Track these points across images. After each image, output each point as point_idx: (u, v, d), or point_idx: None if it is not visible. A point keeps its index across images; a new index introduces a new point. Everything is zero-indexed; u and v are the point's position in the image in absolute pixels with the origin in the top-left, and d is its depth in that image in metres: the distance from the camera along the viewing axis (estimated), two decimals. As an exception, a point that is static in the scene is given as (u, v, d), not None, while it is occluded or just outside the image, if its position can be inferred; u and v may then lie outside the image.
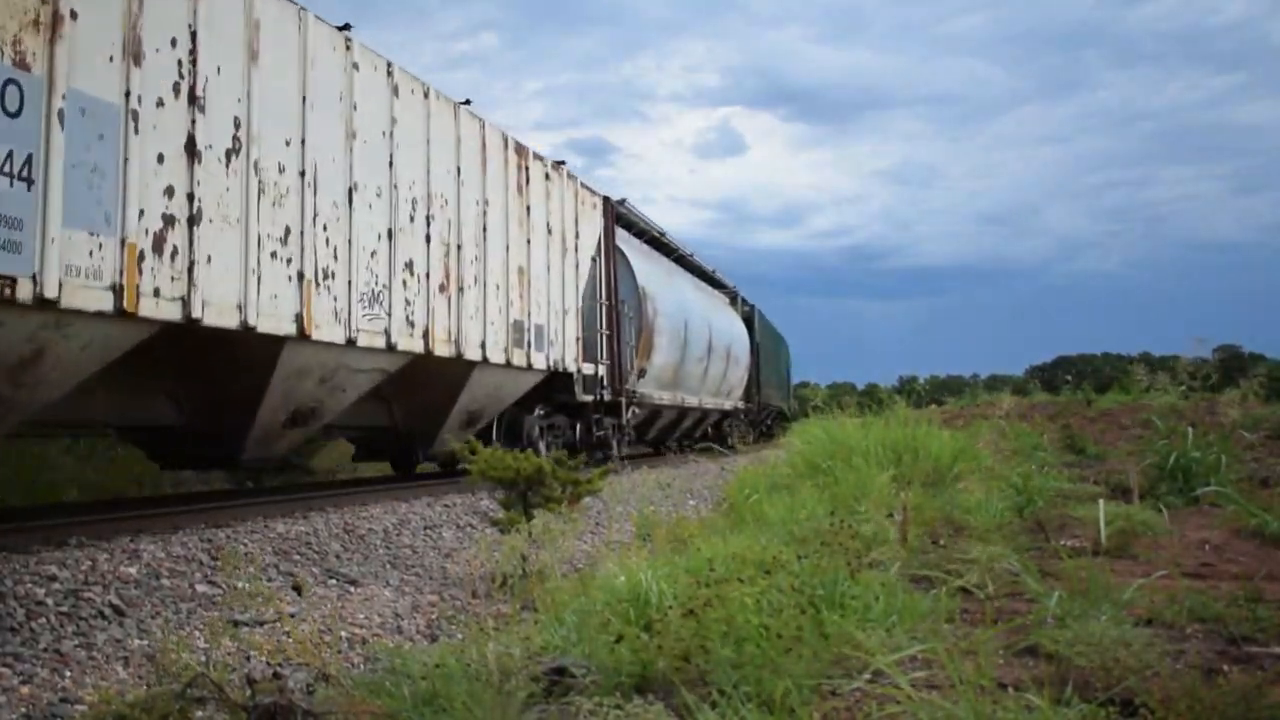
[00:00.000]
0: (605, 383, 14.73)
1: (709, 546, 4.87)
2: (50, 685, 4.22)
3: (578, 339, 13.69)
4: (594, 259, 14.66)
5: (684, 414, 21.26)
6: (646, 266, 18.10)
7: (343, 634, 5.25)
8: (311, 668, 4.25)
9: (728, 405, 24.69)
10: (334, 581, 6.48)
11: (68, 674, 4.36)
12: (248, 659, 4.62)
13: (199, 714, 3.41)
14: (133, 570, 5.80)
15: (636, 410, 16.50)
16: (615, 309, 15.50)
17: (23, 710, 3.93)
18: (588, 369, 14.10)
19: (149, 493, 10.99)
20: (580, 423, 14.44)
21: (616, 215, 16.42)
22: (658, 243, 21.07)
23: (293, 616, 5.37)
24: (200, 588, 5.81)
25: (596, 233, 14.87)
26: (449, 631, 5.45)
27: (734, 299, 28.52)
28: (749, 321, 28.51)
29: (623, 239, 16.98)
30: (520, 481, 7.53)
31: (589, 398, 14.19)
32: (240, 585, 5.81)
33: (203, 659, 4.48)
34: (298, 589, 6.10)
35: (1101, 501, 6.13)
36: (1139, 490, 7.63)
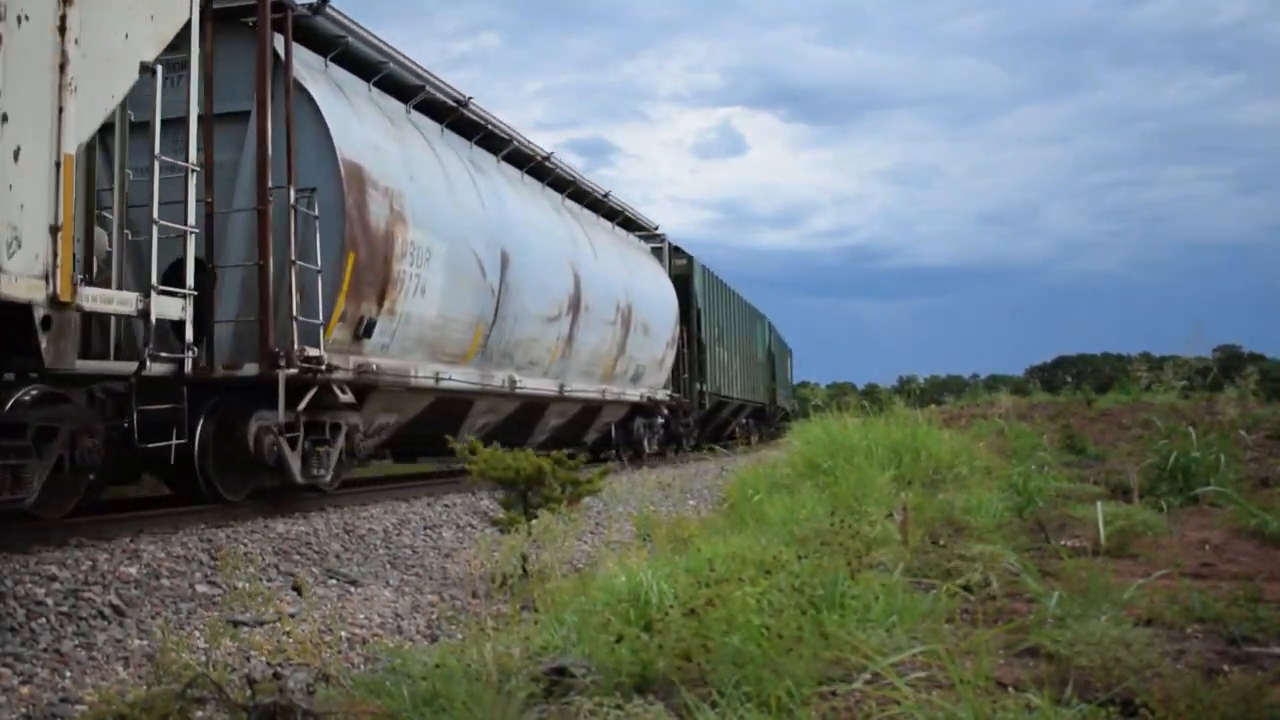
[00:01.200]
0: (198, 336, 7.15)
1: (709, 546, 4.87)
2: (50, 685, 4.22)
3: (55, 230, 5.63)
4: (152, 71, 6.56)
5: (537, 408, 13.30)
6: (375, 135, 9.73)
7: (343, 634, 5.25)
8: (311, 668, 4.25)
9: (633, 395, 16.58)
10: (334, 581, 6.48)
11: (68, 674, 4.36)
12: (248, 659, 4.63)
13: (199, 714, 3.42)
14: (133, 570, 5.80)
15: (342, 393, 8.93)
16: (282, 200, 8.42)
17: (23, 710, 3.93)
18: (97, 301, 6.17)
19: (149, 493, 10.97)
20: (104, 425, 6.61)
21: (298, 28, 9.04)
22: (447, 114, 11.71)
23: (293, 617, 5.37)
24: (200, 588, 5.81)
25: (173, 26, 6.80)
26: (449, 631, 5.45)
27: (660, 249, 20.02)
28: (683, 280, 20.41)
29: (328, 82, 9.48)
30: (520, 481, 7.53)
31: (108, 367, 6.65)
32: (240, 585, 5.81)
33: (203, 659, 4.48)
34: (298, 589, 6.10)
35: (1100, 502, 6.13)
36: (1139, 490, 7.63)
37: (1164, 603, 4.01)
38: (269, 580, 6.21)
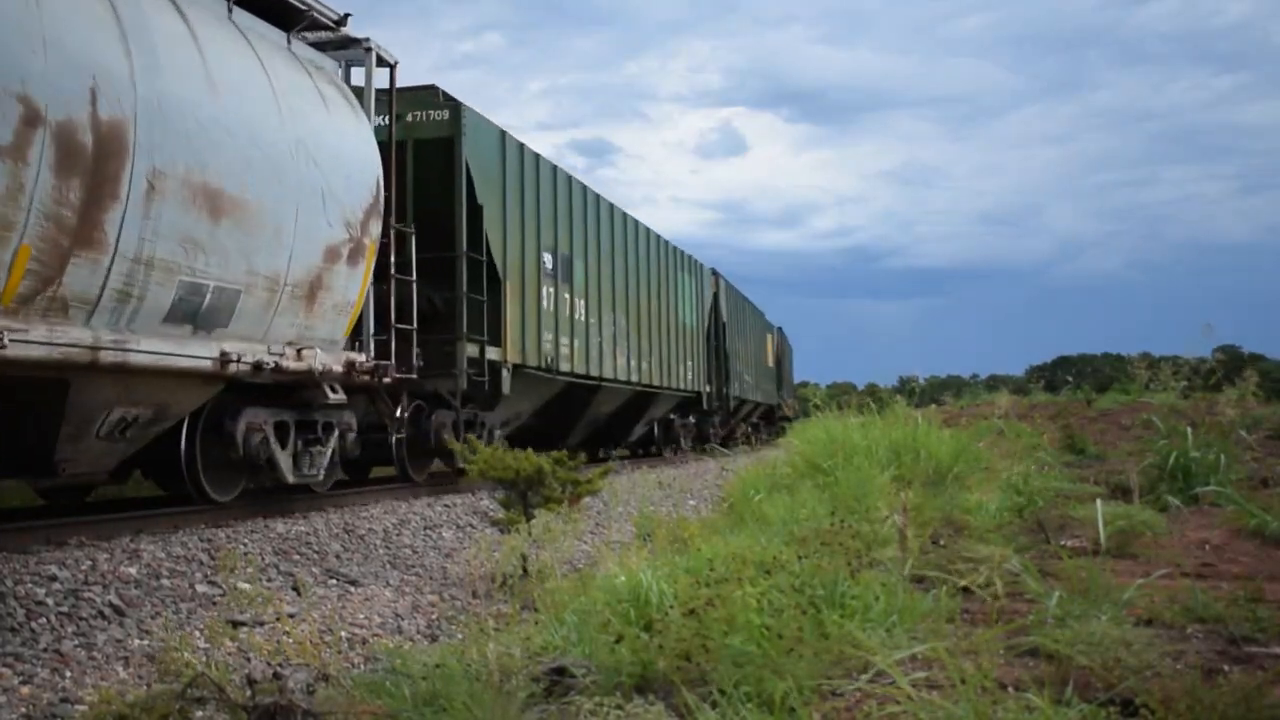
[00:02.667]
0: None
1: (709, 546, 4.87)
2: (50, 685, 4.22)
3: None
4: None
5: None
6: None
7: (343, 634, 5.25)
8: (311, 668, 4.25)
9: (192, 356, 6.53)
10: (334, 581, 6.48)
11: (68, 674, 4.36)
12: (248, 659, 4.63)
13: (199, 714, 3.42)
14: (133, 570, 5.79)
15: None
16: None
17: (23, 710, 3.93)
18: None
19: (149, 493, 10.98)
20: None
21: None
22: None
23: (292, 617, 5.37)
24: (200, 588, 5.81)
25: None
26: (449, 631, 5.45)
27: (361, 73, 9.26)
28: (441, 146, 10.69)
29: None
30: (520, 481, 7.54)
31: None
32: (240, 585, 5.81)
33: (203, 659, 4.48)
34: (297, 589, 6.09)
35: (1099, 501, 6.13)
36: (1139, 490, 7.62)
37: (1164, 603, 4.01)
38: (269, 580, 6.21)
